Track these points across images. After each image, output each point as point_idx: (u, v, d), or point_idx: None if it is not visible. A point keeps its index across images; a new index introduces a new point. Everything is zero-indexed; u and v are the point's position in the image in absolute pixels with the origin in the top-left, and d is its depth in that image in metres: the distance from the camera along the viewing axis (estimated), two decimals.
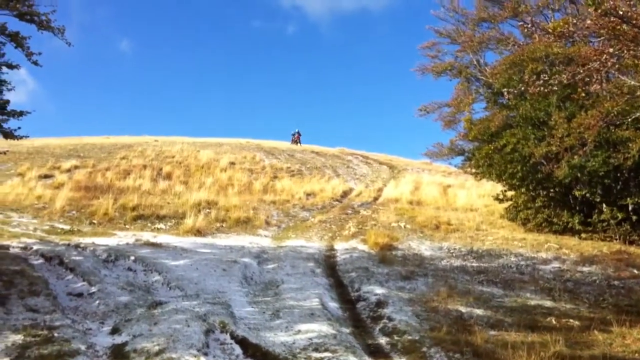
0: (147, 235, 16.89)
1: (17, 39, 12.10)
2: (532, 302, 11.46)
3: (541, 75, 11.01)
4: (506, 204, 20.72)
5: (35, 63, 12.49)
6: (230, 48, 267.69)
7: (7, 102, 12.35)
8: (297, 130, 45.55)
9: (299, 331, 8.65)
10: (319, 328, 8.73)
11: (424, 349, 8.31)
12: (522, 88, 11.90)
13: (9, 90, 12.46)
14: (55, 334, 7.69)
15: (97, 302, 9.85)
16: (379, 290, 11.66)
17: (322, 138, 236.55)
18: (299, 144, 44.22)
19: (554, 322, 10.06)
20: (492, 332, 9.31)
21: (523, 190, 19.37)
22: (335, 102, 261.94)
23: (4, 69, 12.33)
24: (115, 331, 8.39)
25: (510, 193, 20.45)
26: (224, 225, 19.72)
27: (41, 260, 12.38)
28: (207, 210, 21.08)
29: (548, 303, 11.47)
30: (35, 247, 13.34)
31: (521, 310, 10.76)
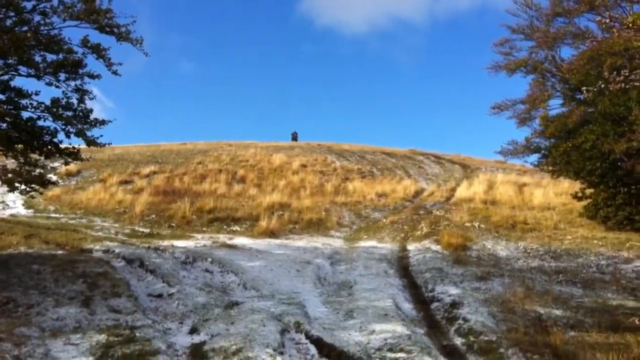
0: (223, 238, 17.31)
1: (98, 51, 12.56)
2: (614, 303, 11.06)
3: (622, 71, 10.58)
4: (585, 202, 20.01)
5: (115, 73, 12.89)
6: (287, 66, 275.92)
7: (91, 110, 12.76)
8: (295, 131, 56.51)
9: (373, 331, 8.66)
10: (393, 328, 8.72)
11: (501, 350, 8.14)
12: (602, 85, 11.49)
13: (91, 99, 12.88)
14: (137, 334, 7.99)
15: (176, 302, 10.17)
16: (454, 291, 11.52)
17: (392, 139, 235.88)
18: (296, 141, 53.24)
19: (637, 322, 9.66)
20: (572, 333, 9.04)
21: (602, 187, 18.66)
22: (406, 104, 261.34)
23: (86, 79, 12.80)
24: (193, 331, 8.65)
25: (589, 191, 19.74)
26: (296, 226, 19.97)
27: (123, 263, 12.90)
28: (280, 212, 21.39)
29: (631, 303, 11.04)
30: (117, 250, 13.91)
31: (602, 311, 10.38)
